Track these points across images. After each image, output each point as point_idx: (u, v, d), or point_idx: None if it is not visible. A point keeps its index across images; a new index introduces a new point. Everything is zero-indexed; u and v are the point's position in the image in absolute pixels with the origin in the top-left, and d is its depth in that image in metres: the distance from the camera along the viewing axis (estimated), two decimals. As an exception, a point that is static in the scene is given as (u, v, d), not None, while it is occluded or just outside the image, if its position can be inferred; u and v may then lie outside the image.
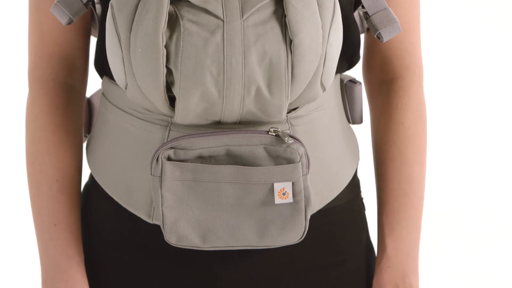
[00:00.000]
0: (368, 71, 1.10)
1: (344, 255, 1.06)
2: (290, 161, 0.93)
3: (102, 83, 1.06)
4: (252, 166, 0.92)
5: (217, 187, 0.93)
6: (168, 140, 0.96)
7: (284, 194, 0.93)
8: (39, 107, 1.04)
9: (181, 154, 0.93)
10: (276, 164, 0.93)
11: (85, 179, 1.11)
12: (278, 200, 0.93)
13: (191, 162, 0.92)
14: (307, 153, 0.94)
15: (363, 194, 1.13)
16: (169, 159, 0.93)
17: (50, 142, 1.03)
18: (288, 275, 1.03)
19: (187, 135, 0.92)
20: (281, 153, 0.93)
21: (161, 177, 0.93)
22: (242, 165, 0.92)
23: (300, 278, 1.04)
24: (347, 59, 1.03)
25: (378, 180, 1.08)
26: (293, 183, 0.93)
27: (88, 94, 1.14)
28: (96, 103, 1.11)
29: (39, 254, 1.05)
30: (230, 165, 0.92)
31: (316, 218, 1.01)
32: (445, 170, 3.41)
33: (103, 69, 1.04)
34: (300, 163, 0.93)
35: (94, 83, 1.22)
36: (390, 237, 1.04)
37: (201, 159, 0.93)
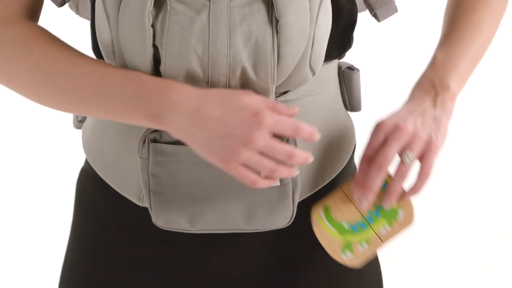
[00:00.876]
0: None
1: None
2: None
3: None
4: None
5: (202, 169, 0.93)
6: None
7: None
8: (14, 28, 0.95)
9: (166, 137, 0.93)
10: None
11: (81, 163, 1.12)
12: None
13: (176, 144, 0.92)
14: (294, 139, 0.93)
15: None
16: (155, 141, 0.93)
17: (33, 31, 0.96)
18: (279, 261, 1.03)
19: None
20: None
21: (148, 159, 0.93)
22: None
23: (291, 264, 1.03)
24: (345, 43, 1.03)
25: (446, 19, 1.08)
26: None
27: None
28: None
29: (127, 115, 0.90)
30: None
31: (308, 204, 1.00)
32: (447, 169, 3.39)
33: (100, 54, 1.04)
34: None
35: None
36: (441, 51, 1.03)
37: None
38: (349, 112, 1.10)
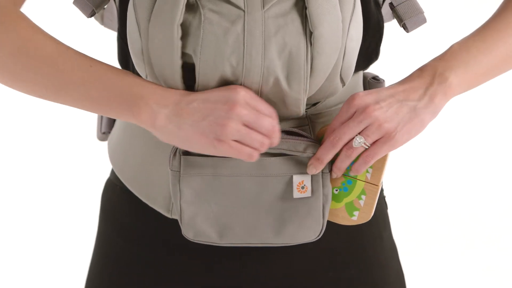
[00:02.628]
0: None
1: (364, 253, 1.05)
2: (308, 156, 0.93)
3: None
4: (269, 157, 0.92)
5: (235, 181, 0.93)
6: None
7: (303, 187, 0.93)
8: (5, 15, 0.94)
9: None
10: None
11: (106, 174, 1.11)
12: (296, 193, 0.93)
13: (210, 157, 0.92)
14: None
15: (385, 193, 1.12)
16: (187, 153, 0.93)
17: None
18: (309, 271, 1.03)
19: None
20: (300, 158, 0.93)
21: (179, 171, 0.93)
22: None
23: (321, 274, 1.03)
24: (372, 54, 1.03)
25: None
26: (312, 177, 0.93)
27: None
28: None
29: (110, 105, 0.91)
30: None
31: None
32: (448, 170, 3.39)
33: (126, 64, 1.04)
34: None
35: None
36: (460, 42, 0.97)
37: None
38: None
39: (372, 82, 1.07)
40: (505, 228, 3.06)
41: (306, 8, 0.87)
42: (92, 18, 1.09)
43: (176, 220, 0.99)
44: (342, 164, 0.92)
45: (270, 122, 0.87)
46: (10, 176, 3.24)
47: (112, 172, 1.09)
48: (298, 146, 0.92)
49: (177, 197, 0.94)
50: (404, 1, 0.97)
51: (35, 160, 3.31)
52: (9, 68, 0.93)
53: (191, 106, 0.87)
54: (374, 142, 0.90)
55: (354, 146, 0.90)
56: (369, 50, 1.02)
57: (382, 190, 1.10)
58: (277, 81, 0.88)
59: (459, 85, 0.93)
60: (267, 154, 0.92)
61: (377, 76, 1.08)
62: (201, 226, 0.94)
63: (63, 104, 0.95)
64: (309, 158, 0.92)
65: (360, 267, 1.05)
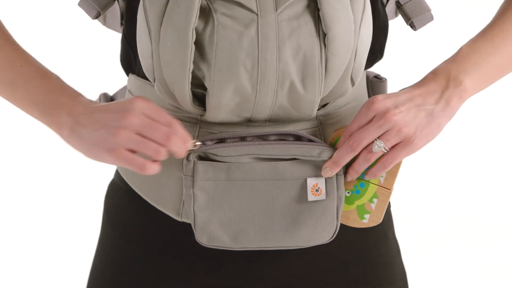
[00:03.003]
0: None
1: (371, 252, 1.06)
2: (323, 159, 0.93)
3: (129, 81, 1.05)
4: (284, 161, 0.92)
5: (250, 185, 0.93)
6: (198, 135, 0.96)
7: (317, 190, 0.93)
8: None
9: (211, 154, 0.92)
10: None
11: (110, 176, 1.11)
12: (311, 196, 0.93)
13: (223, 162, 0.92)
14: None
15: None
16: (200, 158, 0.92)
17: None
18: (315, 271, 1.03)
19: (216, 142, 0.92)
20: (314, 161, 0.93)
21: (193, 176, 0.92)
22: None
23: (327, 274, 1.03)
24: (377, 53, 1.03)
25: (496, 13, 1.01)
26: (326, 180, 0.93)
27: (111, 92, 1.14)
28: None
29: (28, 108, 0.94)
30: (264, 162, 0.92)
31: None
32: (450, 168, 3.41)
33: (130, 66, 1.03)
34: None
35: (116, 81, 1.21)
36: (469, 44, 0.96)
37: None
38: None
39: (374, 81, 1.07)
40: (509, 227, 3.07)
41: (318, 10, 0.86)
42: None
43: (184, 224, 0.98)
44: (360, 168, 0.92)
45: (165, 130, 0.86)
46: (14, 178, 3.21)
47: (116, 174, 1.08)
48: (312, 151, 0.92)
49: (191, 202, 0.93)
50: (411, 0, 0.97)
51: (38, 162, 3.28)
52: None
53: (92, 116, 0.88)
54: (393, 147, 0.90)
55: (374, 150, 0.90)
56: (375, 49, 1.02)
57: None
58: (292, 85, 0.88)
59: (473, 87, 0.93)
60: (281, 159, 0.92)
61: (379, 75, 1.08)
62: (214, 231, 0.94)
63: (6, 100, 0.98)
64: (324, 161, 0.92)
65: (365, 267, 1.05)
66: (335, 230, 0.95)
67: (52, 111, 0.91)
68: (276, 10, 0.86)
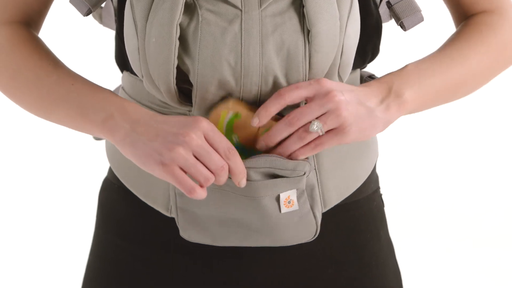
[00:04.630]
0: None
1: (363, 251, 1.06)
2: (297, 174, 0.91)
3: (122, 78, 1.06)
4: (255, 180, 0.90)
5: (224, 196, 0.92)
6: None
7: (289, 202, 0.92)
8: (3, 31, 1.00)
9: None
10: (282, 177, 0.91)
11: (104, 172, 1.12)
12: (284, 209, 0.92)
13: None
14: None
15: (382, 191, 1.12)
16: None
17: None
18: (307, 270, 1.03)
19: None
20: (288, 174, 0.91)
21: None
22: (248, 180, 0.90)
23: (319, 273, 1.03)
24: (368, 52, 1.03)
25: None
26: (297, 189, 0.92)
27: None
28: None
29: (84, 119, 0.93)
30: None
31: (335, 213, 1.01)
32: (444, 167, 3.40)
33: (124, 63, 1.05)
34: (305, 175, 0.91)
35: (112, 80, 1.22)
36: (415, 63, 0.97)
37: None
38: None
39: (368, 81, 1.07)
40: (503, 227, 3.06)
41: (303, 7, 0.87)
42: (91, 17, 1.10)
43: (170, 218, 1.00)
44: (292, 146, 0.89)
45: (220, 160, 0.85)
46: (7, 176, 3.24)
47: (110, 171, 1.09)
48: (287, 164, 0.90)
49: (174, 201, 0.95)
50: (401, 0, 0.98)
51: (32, 160, 3.30)
52: (11, 88, 0.99)
53: (149, 124, 0.87)
54: (327, 131, 0.88)
55: (310, 130, 0.88)
56: (367, 48, 1.02)
57: (379, 188, 1.11)
58: (276, 80, 0.88)
59: (413, 102, 0.93)
60: (253, 171, 0.89)
61: (374, 75, 1.08)
62: (195, 232, 0.96)
63: (54, 122, 0.99)
64: (299, 176, 0.91)
65: (358, 266, 1.05)
66: (317, 229, 0.95)
67: (108, 117, 0.90)
68: (261, 6, 0.87)
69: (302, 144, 0.89)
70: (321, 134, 0.88)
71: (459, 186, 3.30)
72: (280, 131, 0.89)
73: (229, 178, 0.88)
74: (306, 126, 0.88)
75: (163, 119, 0.87)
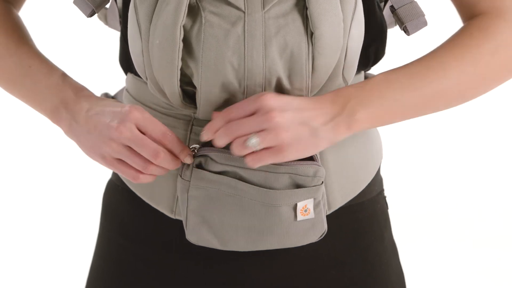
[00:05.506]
0: None
1: (367, 252, 1.05)
2: (317, 182, 0.92)
3: (126, 80, 1.07)
4: (275, 189, 0.90)
5: (240, 201, 0.92)
6: (191, 132, 0.97)
7: (305, 210, 0.92)
8: None
9: (210, 165, 0.92)
10: (299, 187, 0.91)
11: (108, 175, 1.12)
12: (300, 217, 0.92)
13: (218, 174, 0.92)
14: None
15: (385, 193, 1.12)
16: (198, 166, 0.93)
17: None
18: (311, 271, 1.03)
19: (215, 149, 0.91)
20: (308, 183, 0.91)
21: (189, 181, 0.93)
22: (265, 187, 0.90)
23: (323, 274, 1.03)
24: (371, 54, 1.03)
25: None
26: (314, 199, 0.92)
27: (112, 92, 1.15)
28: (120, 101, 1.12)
29: (37, 106, 0.99)
30: (255, 187, 0.90)
31: (339, 215, 1.01)
32: (448, 169, 3.40)
33: (128, 65, 1.05)
34: (323, 184, 0.92)
35: (116, 82, 1.22)
36: (384, 73, 0.92)
37: (227, 172, 0.92)
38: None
39: None
40: (506, 228, 3.06)
41: (306, 9, 0.87)
42: (96, 18, 1.10)
43: (178, 221, 0.99)
44: (235, 153, 0.88)
45: (153, 147, 0.87)
46: (11, 177, 3.24)
47: (114, 173, 1.09)
48: (307, 170, 0.90)
49: (185, 204, 0.94)
50: (405, 4, 0.97)
51: (36, 161, 3.31)
52: None
53: (87, 115, 0.91)
54: (265, 148, 0.86)
55: (245, 145, 0.86)
56: (372, 51, 1.02)
57: (383, 190, 1.11)
58: (279, 81, 0.88)
59: (366, 121, 0.89)
60: (274, 177, 0.90)
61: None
62: (204, 234, 0.95)
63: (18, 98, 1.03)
64: (317, 185, 0.91)
65: (361, 267, 1.05)
66: (324, 231, 0.95)
67: (54, 107, 0.95)
68: (264, 8, 0.87)
69: (242, 155, 0.87)
70: (255, 150, 0.86)
71: (463, 189, 3.30)
72: (218, 141, 0.88)
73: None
74: (243, 139, 0.86)
75: (100, 109, 0.91)
